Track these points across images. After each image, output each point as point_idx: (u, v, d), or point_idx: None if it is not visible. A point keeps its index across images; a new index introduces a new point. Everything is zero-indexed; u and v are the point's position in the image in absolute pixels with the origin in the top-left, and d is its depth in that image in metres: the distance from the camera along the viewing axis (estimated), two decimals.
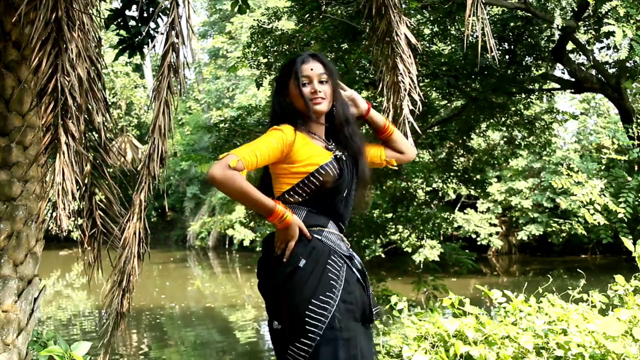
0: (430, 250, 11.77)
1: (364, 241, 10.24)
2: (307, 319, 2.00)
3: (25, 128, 3.34)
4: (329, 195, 2.17)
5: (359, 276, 2.15)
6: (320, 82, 2.19)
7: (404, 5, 7.43)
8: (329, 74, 2.20)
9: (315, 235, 2.12)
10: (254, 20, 9.13)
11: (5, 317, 3.16)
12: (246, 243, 22.82)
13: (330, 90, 2.20)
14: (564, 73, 9.46)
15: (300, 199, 2.16)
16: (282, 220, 2.07)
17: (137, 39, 4.77)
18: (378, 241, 10.66)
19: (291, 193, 2.16)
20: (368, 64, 7.92)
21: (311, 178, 2.14)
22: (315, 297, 2.01)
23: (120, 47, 4.86)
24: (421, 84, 7.72)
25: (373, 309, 2.17)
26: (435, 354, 2.78)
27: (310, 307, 2.01)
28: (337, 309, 2.02)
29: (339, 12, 7.79)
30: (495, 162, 10.89)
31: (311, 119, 2.20)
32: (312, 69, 2.18)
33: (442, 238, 13.38)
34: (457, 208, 18.78)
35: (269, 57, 8.47)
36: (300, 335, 2.01)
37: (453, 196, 15.87)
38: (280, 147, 2.10)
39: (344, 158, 2.21)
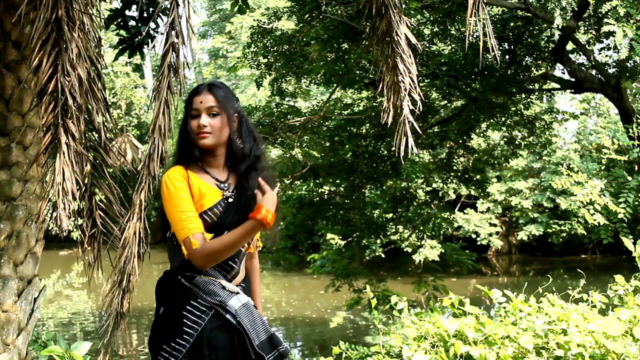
0: (430, 250, 11.77)
1: (364, 241, 10.22)
2: None
3: (25, 128, 3.34)
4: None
5: (233, 322, 2.09)
6: (211, 114, 2.15)
7: (404, 5, 7.42)
8: (220, 107, 2.15)
9: (183, 282, 2.12)
10: (254, 20, 9.12)
11: (5, 317, 3.16)
12: None
13: (221, 124, 2.15)
14: (564, 73, 9.46)
15: None
16: (269, 218, 2.03)
17: (137, 39, 4.77)
18: (378, 241, 10.64)
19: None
20: (368, 64, 7.93)
21: None
22: (166, 344, 2.06)
23: (120, 47, 4.86)
24: (421, 84, 7.73)
25: (268, 354, 2.09)
26: (435, 354, 2.78)
27: (162, 352, 2.07)
28: (188, 356, 2.04)
29: (339, 12, 7.79)
30: (495, 162, 10.88)
31: (199, 151, 2.18)
32: (201, 102, 2.15)
33: (442, 238, 13.38)
34: (457, 208, 18.78)
35: (269, 57, 8.46)
36: None
37: (453, 196, 15.86)
38: (187, 189, 2.12)
39: (231, 199, 2.17)
